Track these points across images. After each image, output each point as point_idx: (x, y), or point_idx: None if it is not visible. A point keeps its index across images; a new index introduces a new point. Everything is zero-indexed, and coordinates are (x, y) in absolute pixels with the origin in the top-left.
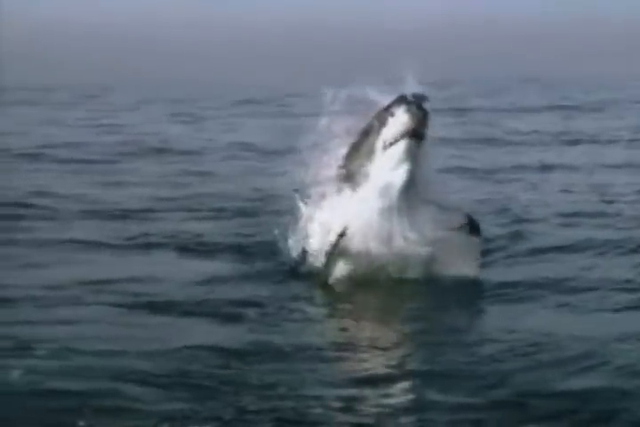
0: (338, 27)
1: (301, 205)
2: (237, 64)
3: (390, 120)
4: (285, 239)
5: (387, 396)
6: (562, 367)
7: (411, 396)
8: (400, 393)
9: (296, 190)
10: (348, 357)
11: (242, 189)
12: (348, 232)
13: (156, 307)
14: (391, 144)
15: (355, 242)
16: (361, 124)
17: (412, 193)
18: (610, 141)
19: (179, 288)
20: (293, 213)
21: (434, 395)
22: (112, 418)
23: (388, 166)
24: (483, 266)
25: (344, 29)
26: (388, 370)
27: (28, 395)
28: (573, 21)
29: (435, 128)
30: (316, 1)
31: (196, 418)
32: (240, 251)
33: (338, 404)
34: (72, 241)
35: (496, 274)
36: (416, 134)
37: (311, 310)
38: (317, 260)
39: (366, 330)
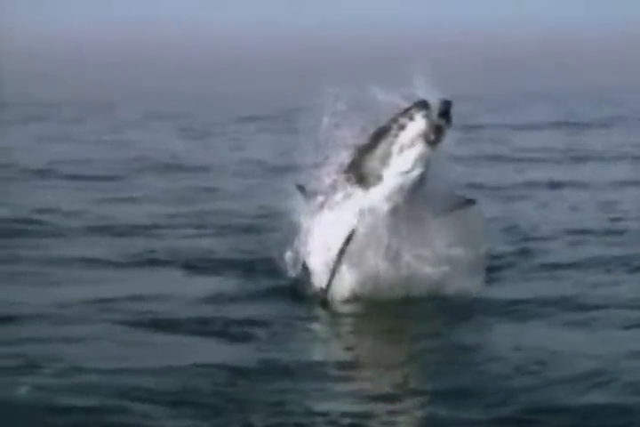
0: (336, 45)
1: (303, 207)
2: (237, 78)
3: (409, 125)
4: (286, 255)
5: (394, 413)
6: (570, 385)
7: (418, 413)
8: (408, 410)
9: (300, 187)
10: (355, 375)
11: (249, 206)
12: (355, 237)
13: (162, 325)
14: (408, 148)
15: (361, 258)
16: (369, 126)
17: (421, 202)
18: (617, 158)
19: (185, 306)
20: (293, 220)
21: (441, 412)
22: None
23: (402, 169)
24: (491, 283)
25: (345, 47)
26: (396, 388)
27: (36, 411)
28: (580, 35)
29: (448, 144)
30: (316, 17)
31: None
32: (246, 268)
33: (345, 421)
34: (79, 258)
35: (504, 291)
36: (434, 140)
37: (317, 329)
38: (319, 276)
39: (373, 348)
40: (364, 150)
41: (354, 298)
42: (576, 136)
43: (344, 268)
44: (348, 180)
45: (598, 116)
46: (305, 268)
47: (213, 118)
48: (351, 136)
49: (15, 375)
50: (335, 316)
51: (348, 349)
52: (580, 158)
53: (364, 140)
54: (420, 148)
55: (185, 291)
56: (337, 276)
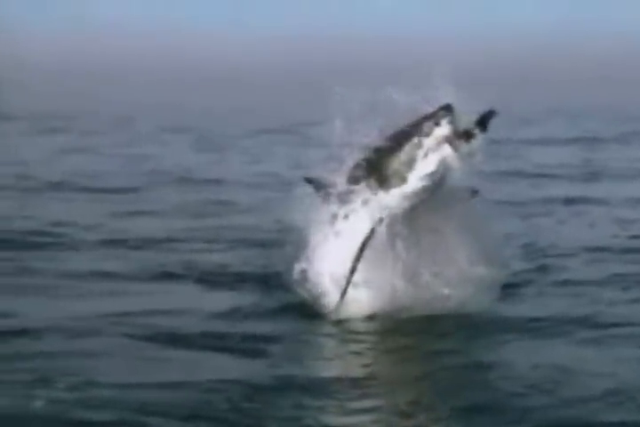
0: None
1: (316, 202)
2: (252, 91)
3: (435, 130)
4: (295, 269)
5: None
6: (585, 403)
7: None
8: None
9: (309, 179)
10: (371, 391)
11: (263, 220)
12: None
13: (176, 339)
14: (433, 151)
15: (378, 276)
16: (387, 128)
17: (440, 215)
18: (635, 175)
19: (199, 321)
20: (305, 229)
21: None
22: None
23: (427, 172)
24: (508, 300)
25: (358, 56)
26: (411, 404)
27: (50, 425)
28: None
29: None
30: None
31: None
32: (261, 283)
33: None
34: (93, 271)
35: (521, 308)
36: (459, 145)
37: (332, 345)
38: (330, 289)
39: (389, 365)
40: (388, 153)
41: (370, 316)
42: (594, 152)
43: (360, 285)
44: (368, 183)
45: (615, 131)
46: (315, 281)
47: (228, 131)
48: (366, 139)
49: (29, 389)
50: (350, 332)
51: (364, 365)
52: (597, 174)
53: (383, 141)
54: (445, 151)
55: (199, 306)
56: (352, 291)
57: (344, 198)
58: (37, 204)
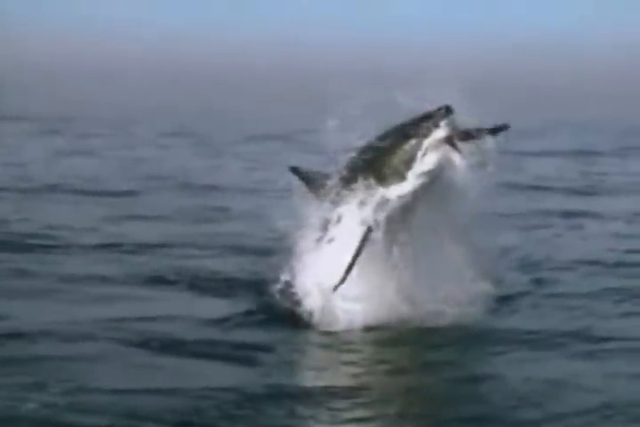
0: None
1: (303, 192)
2: (251, 97)
3: (434, 131)
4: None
5: None
6: (578, 417)
7: None
8: None
9: (295, 169)
10: (362, 401)
11: (259, 227)
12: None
13: (169, 346)
14: (431, 151)
15: (372, 291)
16: (383, 127)
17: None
18: (632, 190)
19: (192, 328)
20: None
21: None
22: None
23: (426, 170)
24: (502, 312)
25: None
26: (401, 415)
27: None
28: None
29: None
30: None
31: None
32: (255, 290)
33: None
34: (87, 275)
35: (515, 321)
36: (458, 145)
37: (325, 355)
38: (317, 301)
39: (380, 375)
40: (387, 151)
41: (363, 327)
42: (593, 165)
43: (354, 298)
44: (366, 180)
45: (616, 145)
46: (300, 292)
47: (227, 137)
48: (361, 139)
49: (22, 392)
50: (344, 342)
51: (356, 375)
52: (595, 188)
53: (381, 140)
54: (443, 150)
55: (192, 312)
56: (346, 304)
57: (338, 199)
58: (34, 206)
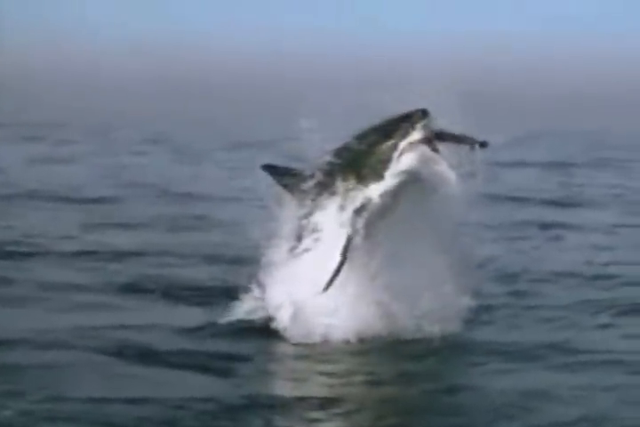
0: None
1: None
2: (233, 104)
3: (411, 133)
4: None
5: None
6: None
7: None
8: None
9: (268, 167)
10: (339, 412)
11: (236, 236)
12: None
13: (145, 355)
14: (408, 151)
15: (350, 298)
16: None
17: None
18: (609, 202)
19: (168, 337)
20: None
21: None
22: None
23: (403, 169)
24: (480, 324)
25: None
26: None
27: None
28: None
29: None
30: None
31: None
32: (231, 300)
33: None
34: (64, 283)
35: (493, 333)
36: (435, 146)
37: (302, 366)
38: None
39: (357, 386)
40: (364, 152)
41: (342, 338)
42: (571, 177)
43: (333, 310)
44: (345, 181)
45: (591, 157)
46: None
47: (207, 144)
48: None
49: None
50: (321, 353)
51: (333, 386)
52: (572, 199)
53: (358, 140)
54: (420, 151)
55: (168, 321)
56: (325, 317)
57: (315, 204)
58: (13, 213)
